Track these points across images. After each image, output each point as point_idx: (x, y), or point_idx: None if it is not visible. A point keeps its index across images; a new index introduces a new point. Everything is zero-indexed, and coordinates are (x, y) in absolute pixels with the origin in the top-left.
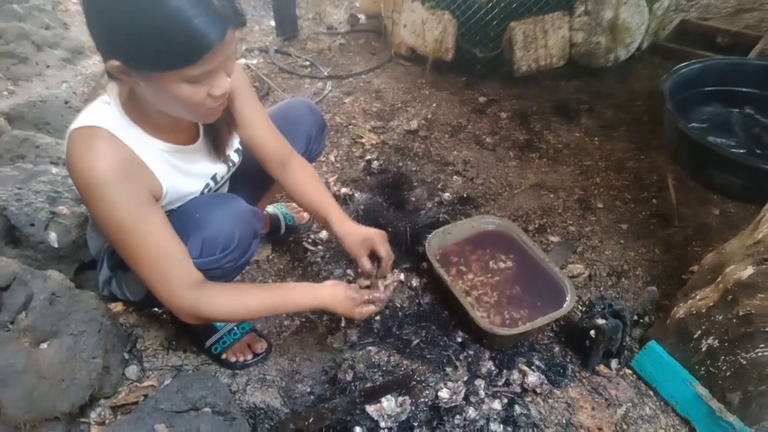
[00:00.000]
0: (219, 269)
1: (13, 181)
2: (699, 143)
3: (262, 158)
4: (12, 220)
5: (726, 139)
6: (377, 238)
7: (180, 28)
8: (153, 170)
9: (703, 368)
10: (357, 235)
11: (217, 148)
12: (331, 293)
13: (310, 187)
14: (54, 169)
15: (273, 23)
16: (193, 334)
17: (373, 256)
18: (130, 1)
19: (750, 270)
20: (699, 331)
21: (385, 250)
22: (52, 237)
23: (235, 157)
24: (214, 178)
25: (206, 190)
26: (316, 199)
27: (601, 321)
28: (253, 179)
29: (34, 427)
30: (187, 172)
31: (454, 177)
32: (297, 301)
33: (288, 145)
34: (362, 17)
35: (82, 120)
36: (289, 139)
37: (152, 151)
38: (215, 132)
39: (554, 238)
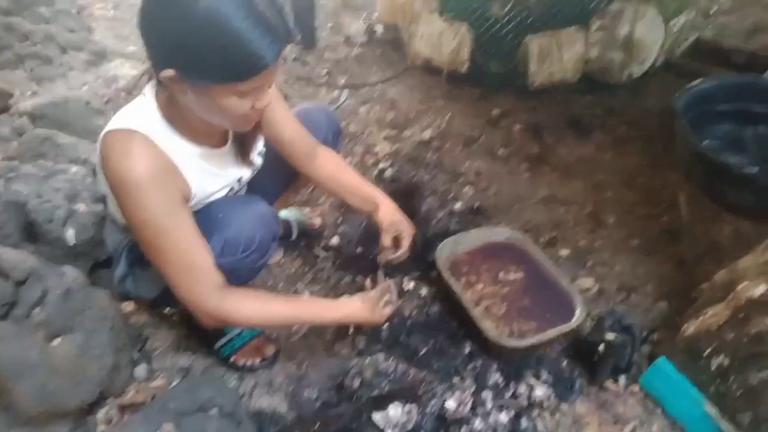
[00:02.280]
0: (238, 270)
1: (34, 179)
2: (711, 161)
3: (290, 153)
4: (31, 216)
5: (740, 157)
6: (406, 230)
7: (241, 48)
8: (185, 174)
9: (712, 387)
10: (394, 215)
11: (244, 151)
12: (347, 308)
13: (345, 174)
14: (73, 168)
15: None
16: (202, 336)
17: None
18: (194, 19)
19: (763, 288)
20: (709, 349)
21: (405, 243)
22: (70, 234)
23: (258, 160)
24: (239, 180)
25: (230, 193)
26: (351, 183)
27: (610, 335)
28: (269, 182)
29: (43, 422)
30: (216, 175)
31: (466, 188)
32: (320, 313)
33: (312, 138)
34: (380, 28)
35: (119, 122)
36: None
37: (185, 155)
38: (244, 136)
39: (564, 251)
